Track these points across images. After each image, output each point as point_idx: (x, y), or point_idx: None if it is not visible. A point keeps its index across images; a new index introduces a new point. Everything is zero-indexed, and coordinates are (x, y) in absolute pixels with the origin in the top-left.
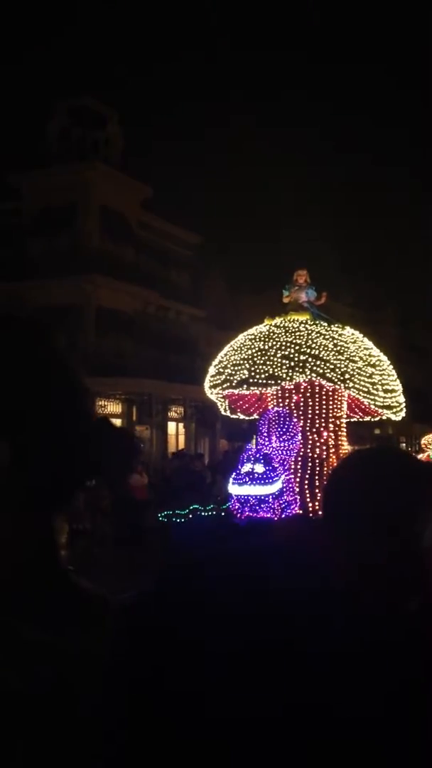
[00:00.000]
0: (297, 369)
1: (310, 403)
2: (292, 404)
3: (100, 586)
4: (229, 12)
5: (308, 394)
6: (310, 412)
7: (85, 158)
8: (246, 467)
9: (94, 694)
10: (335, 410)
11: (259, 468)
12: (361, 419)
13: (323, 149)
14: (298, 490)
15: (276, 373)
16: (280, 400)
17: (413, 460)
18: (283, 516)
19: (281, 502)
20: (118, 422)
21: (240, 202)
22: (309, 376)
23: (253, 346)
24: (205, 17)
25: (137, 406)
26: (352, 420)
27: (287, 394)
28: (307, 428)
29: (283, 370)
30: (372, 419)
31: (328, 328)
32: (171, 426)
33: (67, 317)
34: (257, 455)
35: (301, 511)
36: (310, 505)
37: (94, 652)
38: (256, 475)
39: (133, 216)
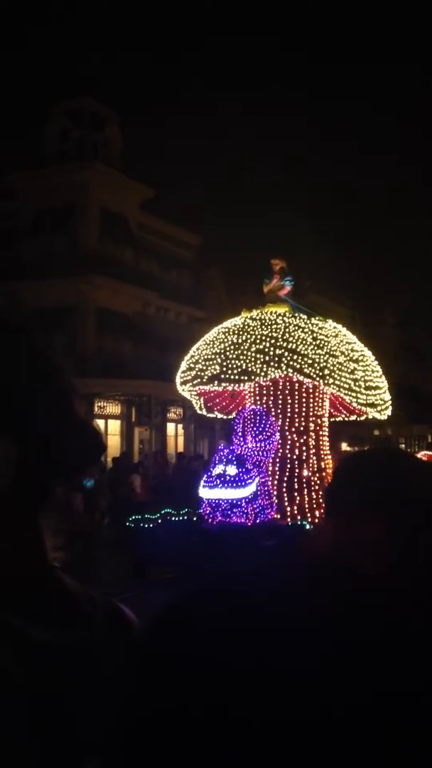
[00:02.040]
0: (272, 364)
1: (289, 401)
2: (270, 402)
3: (86, 584)
4: (229, 11)
5: (287, 391)
6: (289, 410)
7: (84, 159)
8: (217, 469)
9: (96, 693)
10: (316, 408)
11: (232, 470)
12: (346, 418)
13: (325, 151)
14: (275, 493)
15: (249, 369)
16: (257, 398)
17: (421, 462)
18: (258, 521)
19: (255, 506)
20: (117, 423)
21: (240, 203)
22: (285, 372)
23: (226, 340)
24: (204, 17)
25: (136, 408)
26: (349, 420)
27: (264, 391)
28: (286, 428)
29: (257, 365)
30: (358, 418)
31: (308, 321)
32: (170, 427)
33: (66, 318)
34: (229, 456)
35: (278, 516)
36: (288, 509)
37: (88, 650)
38: (228, 477)
39: (133, 217)
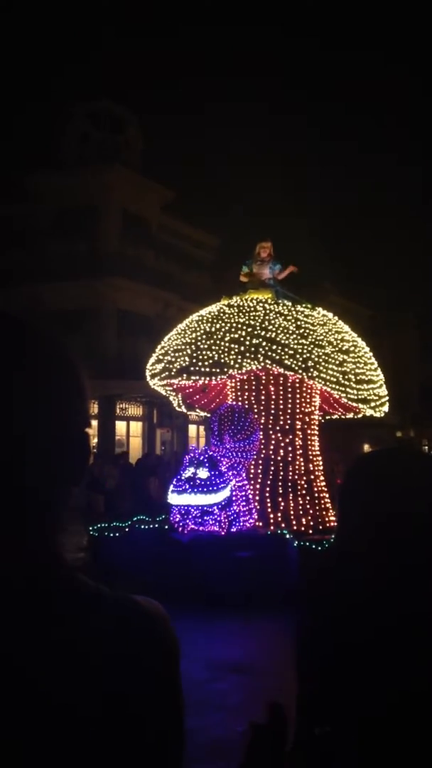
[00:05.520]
0: (248, 355)
1: (273, 397)
2: (252, 397)
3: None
4: (247, 14)
5: (270, 386)
6: (273, 406)
7: (105, 161)
8: (187, 472)
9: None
10: (304, 405)
11: (203, 473)
12: (342, 416)
13: (346, 151)
14: (257, 498)
15: (222, 360)
16: (238, 393)
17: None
18: (233, 530)
19: (229, 513)
20: (138, 425)
21: (260, 204)
22: (262, 364)
23: (198, 329)
24: (222, 18)
25: (157, 409)
26: (367, 421)
27: (246, 386)
28: (270, 426)
29: (231, 356)
30: (355, 416)
31: (292, 308)
32: (192, 428)
33: (86, 320)
34: (201, 458)
35: (260, 524)
36: (271, 516)
37: (96, 647)
38: (198, 481)
39: (153, 219)
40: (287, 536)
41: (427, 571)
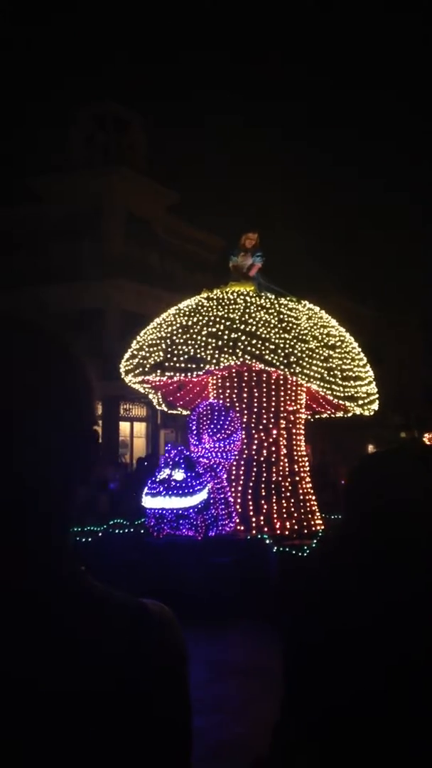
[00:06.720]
0: (226, 350)
1: (256, 394)
2: (234, 395)
3: (111, 586)
4: (257, 16)
5: (253, 383)
6: (255, 404)
7: (110, 163)
8: (162, 474)
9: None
10: (288, 403)
11: (179, 475)
12: (332, 415)
13: (350, 154)
14: (239, 501)
15: (198, 355)
16: (219, 391)
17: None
18: (211, 534)
19: (206, 517)
20: (143, 426)
21: (263, 205)
22: (241, 359)
23: (174, 322)
24: (234, 19)
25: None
26: (370, 420)
27: (228, 383)
28: (252, 425)
29: (208, 352)
30: (345, 415)
31: (275, 301)
32: None
33: (91, 321)
34: (177, 459)
35: (242, 528)
36: (253, 519)
37: (99, 651)
38: (173, 483)
39: (158, 220)
40: (267, 541)
41: (422, 568)
